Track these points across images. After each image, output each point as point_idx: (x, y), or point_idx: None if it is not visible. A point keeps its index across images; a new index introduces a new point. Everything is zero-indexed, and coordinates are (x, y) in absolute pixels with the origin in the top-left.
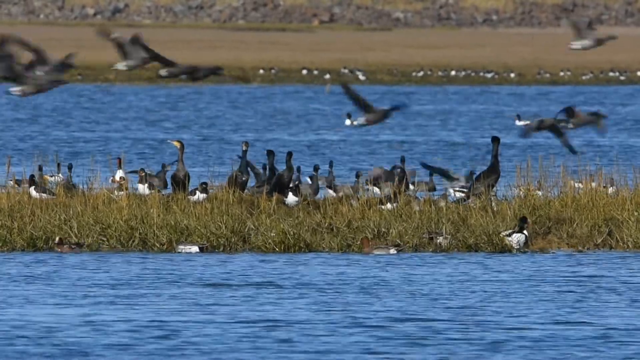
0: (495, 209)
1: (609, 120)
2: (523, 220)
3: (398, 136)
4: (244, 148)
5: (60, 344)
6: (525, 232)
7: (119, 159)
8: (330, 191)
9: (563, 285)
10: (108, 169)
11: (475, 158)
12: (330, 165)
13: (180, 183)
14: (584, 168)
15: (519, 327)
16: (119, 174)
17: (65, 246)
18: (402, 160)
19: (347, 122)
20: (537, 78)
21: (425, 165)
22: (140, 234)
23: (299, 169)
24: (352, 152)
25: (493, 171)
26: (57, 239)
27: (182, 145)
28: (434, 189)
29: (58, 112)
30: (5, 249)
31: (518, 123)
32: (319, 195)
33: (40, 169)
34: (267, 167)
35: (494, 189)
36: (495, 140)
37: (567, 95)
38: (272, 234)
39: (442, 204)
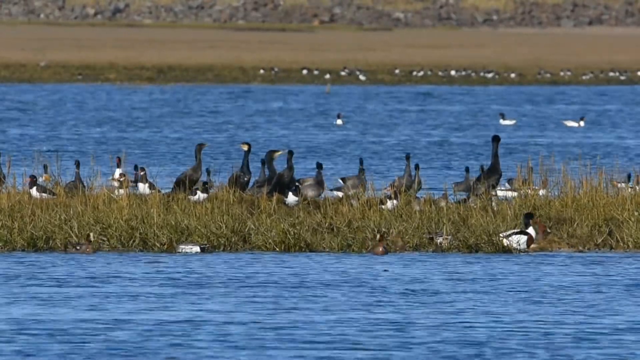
0: (495, 209)
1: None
2: (528, 216)
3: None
4: (245, 149)
5: (60, 343)
6: (530, 229)
7: (118, 158)
8: (336, 193)
9: (563, 285)
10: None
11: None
12: (361, 162)
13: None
14: (585, 167)
15: (519, 327)
16: (118, 172)
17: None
18: (408, 157)
19: (339, 121)
20: (538, 78)
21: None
22: (140, 233)
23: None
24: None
25: (494, 171)
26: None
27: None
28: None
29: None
30: (6, 249)
31: (503, 122)
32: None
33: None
34: (266, 166)
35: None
36: (495, 139)
37: (567, 95)
38: (272, 234)
39: (443, 204)
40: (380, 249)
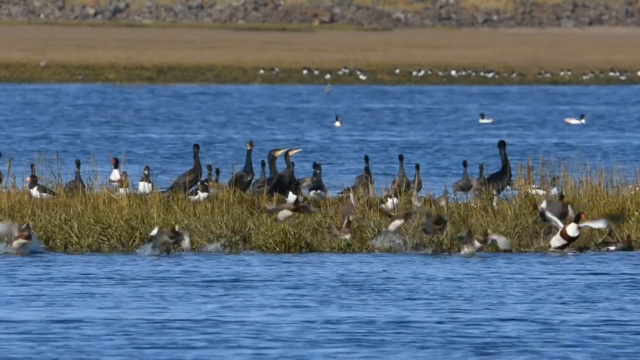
0: (496, 208)
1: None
2: (577, 216)
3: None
4: (249, 147)
5: (59, 344)
6: (571, 227)
7: (115, 159)
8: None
9: (563, 285)
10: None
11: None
12: (366, 160)
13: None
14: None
15: (517, 327)
16: (115, 174)
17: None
18: (401, 157)
19: (337, 123)
20: (538, 78)
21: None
22: (140, 233)
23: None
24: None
25: (504, 175)
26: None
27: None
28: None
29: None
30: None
31: (482, 121)
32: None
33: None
34: (269, 167)
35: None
36: (501, 144)
37: (567, 94)
38: (272, 234)
39: (443, 203)
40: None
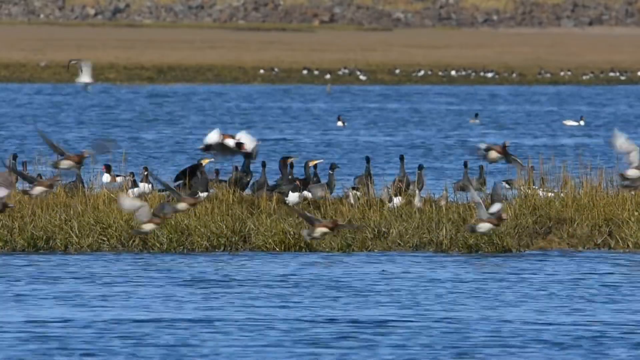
0: None
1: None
2: None
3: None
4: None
5: (59, 344)
6: None
7: (105, 165)
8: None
9: (562, 285)
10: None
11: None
12: (367, 161)
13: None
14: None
15: (516, 327)
16: (106, 177)
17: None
18: (402, 158)
19: (339, 123)
20: (538, 78)
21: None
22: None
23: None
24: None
25: None
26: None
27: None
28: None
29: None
30: (6, 248)
31: (471, 121)
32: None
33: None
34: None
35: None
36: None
37: (567, 94)
38: (272, 234)
39: (442, 203)
40: None
